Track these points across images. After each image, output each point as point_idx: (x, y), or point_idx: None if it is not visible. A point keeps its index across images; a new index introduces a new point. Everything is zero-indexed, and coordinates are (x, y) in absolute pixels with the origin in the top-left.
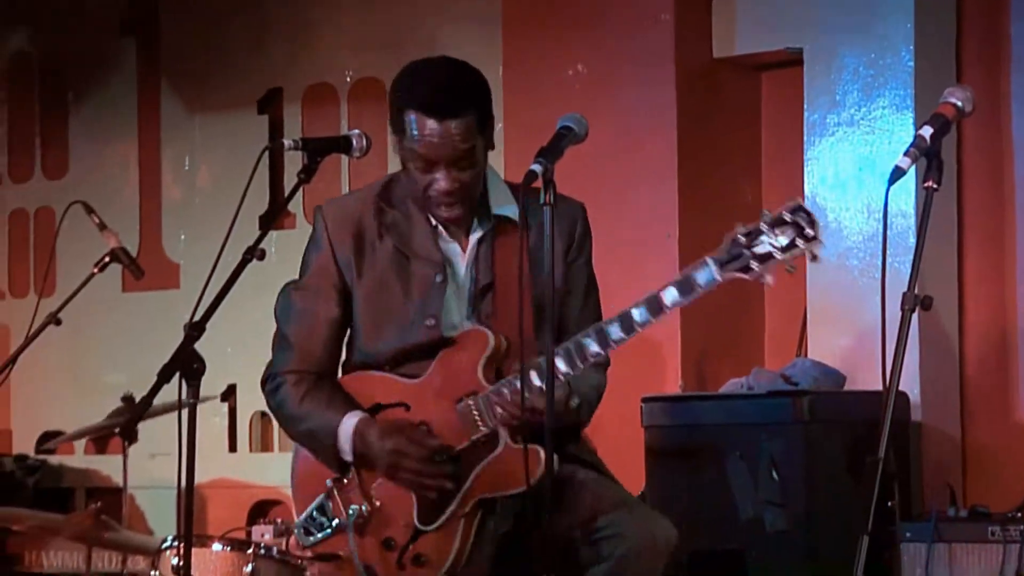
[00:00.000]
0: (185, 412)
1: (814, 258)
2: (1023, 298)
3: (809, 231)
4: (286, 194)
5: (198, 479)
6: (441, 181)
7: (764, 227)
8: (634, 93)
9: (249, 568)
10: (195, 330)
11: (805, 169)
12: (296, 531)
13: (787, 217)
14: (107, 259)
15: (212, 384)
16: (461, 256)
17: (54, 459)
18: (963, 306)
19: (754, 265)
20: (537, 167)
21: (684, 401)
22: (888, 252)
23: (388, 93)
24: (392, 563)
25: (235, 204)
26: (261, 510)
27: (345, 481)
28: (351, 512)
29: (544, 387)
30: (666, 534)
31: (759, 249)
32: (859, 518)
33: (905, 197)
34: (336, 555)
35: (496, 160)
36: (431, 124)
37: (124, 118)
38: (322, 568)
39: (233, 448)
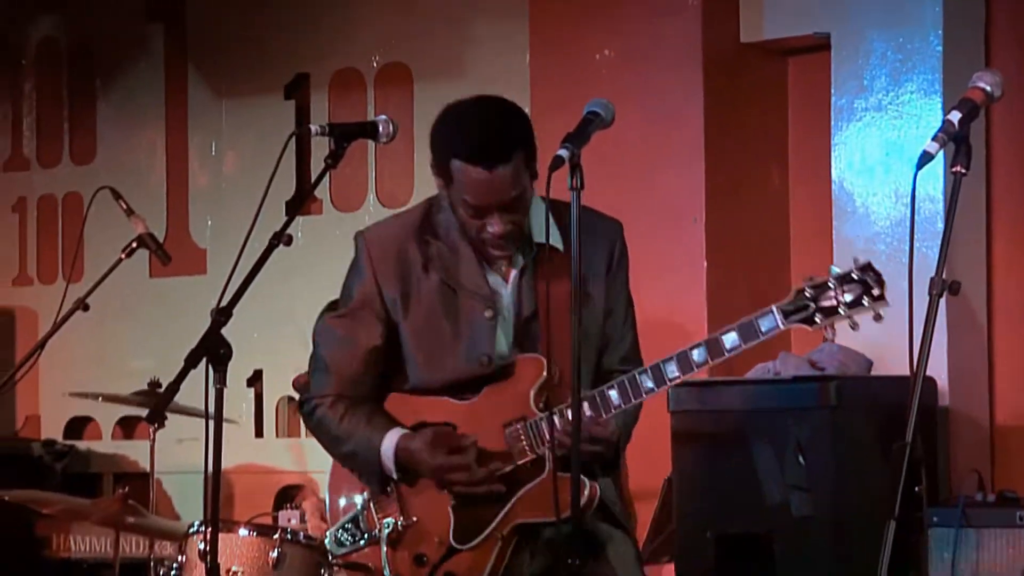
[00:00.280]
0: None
1: (878, 317)
2: None
3: (876, 290)
4: (313, 180)
5: (224, 464)
6: (494, 226)
7: (832, 282)
8: (661, 78)
9: (275, 553)
10: (222, 315)
11: (832, 154)
12: (327, 540)
13: (855, 275)
14: (134, 245)
15: (239, 369)
16: (505, 286)
17: (82, 444)
18: (991, 291)
19: (818, 318)
20: (564, 152)
21: (711, 386)
22: (916, 237)
23: (430, 137)
24: None
25: (262, 190)
26: (287, 495)
27: (384, 497)
28: (386, 525)
29: (592, 416)
30: None
31: (825, 303)
32: (886, 503)
33: (933, 182)
34: (366, 566)
35: None
36: (480, 173)
37: (151, 104)
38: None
39: (259, 433)
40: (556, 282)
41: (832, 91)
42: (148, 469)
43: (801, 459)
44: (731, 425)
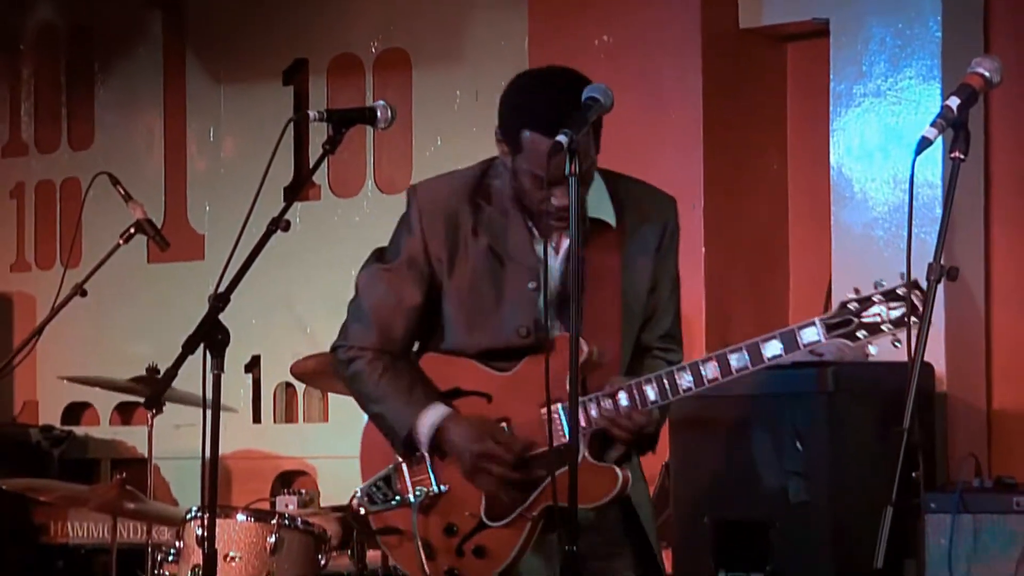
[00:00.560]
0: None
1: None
2: None
3: (921, 309)
4: (311, 165)
5: (222, 450)
6: (559, 199)
7: (877, 298)
8: (660, 64)
9: (273, 538)
10: (220, 301)
11: (831, 140)
12: (359, 494)
13: (901, 292)
14: (132, 230)
15: (237, 355)
16: (554, 257)
17: (79, 430)
18: (989, 277)
19: (860, 334)
20: (563, 138)
21: None
22: (914, 223)
23: (500, 105)
24: (452, 548)
25: (260, 175)
26: (285, 481)
27: (415, 460)
28: (418, 492)
29: (629, 407)
30: None
31: (869, 319)
32: (883, 489)
33: (931, 168)
34: (397, 529)
35: None
36: (550, 142)
37: (150, 89)
38: (384, 538)
39: (257, 419)
40: (605, 258)
41: (831, 77)
42: (146, 455)
43: (798, 445)
44: (729, 411)
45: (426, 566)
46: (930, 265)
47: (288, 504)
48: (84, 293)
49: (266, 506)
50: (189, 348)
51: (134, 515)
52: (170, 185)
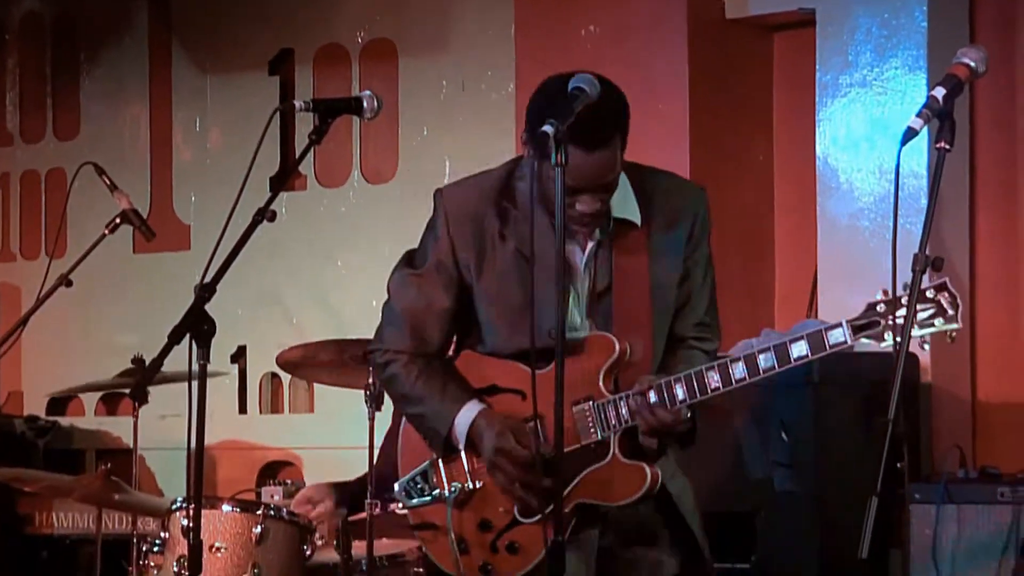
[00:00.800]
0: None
1: (951, 339)
2: None
3: (950, 311)
4: (297, 155)
5: (208, 440)
6: (583, 205)
7: (905, 299)
8: (646, 54)
9: (258, 529)
10: (206, 291)
11: (817, 130)
12: (397, 490)
13: (930, 294)
14: (118, 220)
15: (223, 345)
16: (581, 256)
17: (65, 421)
18: (974, 268)
19: (887, 336)
20: (549, 128)
21: None
22: (900, 213)
23: (528, 107)
24: (486, 544)
25: (246, 165)
26: (271, 471)
27: (451, 456)
28: (454, 488)
29: (659, 404)
30: None
31: (896, 321)
32: (868, 479)
33: (917, 158)
34: (433, 524)
35: (507, 122)
36: (578, 155)
37: (136, 79)
38: (420, 532)
39: (243, 410)
40: (632, 257)
41: (817, 67)
42: (131, 445)
43: (784, 435)
44: (715, 401)
45: (460, 561)
46: (915, 255)
47: (274, 495)
48: (69, 283)
49: (252, 497)
50: (175, 338)
51: (119, 506)
52: (156, 175)
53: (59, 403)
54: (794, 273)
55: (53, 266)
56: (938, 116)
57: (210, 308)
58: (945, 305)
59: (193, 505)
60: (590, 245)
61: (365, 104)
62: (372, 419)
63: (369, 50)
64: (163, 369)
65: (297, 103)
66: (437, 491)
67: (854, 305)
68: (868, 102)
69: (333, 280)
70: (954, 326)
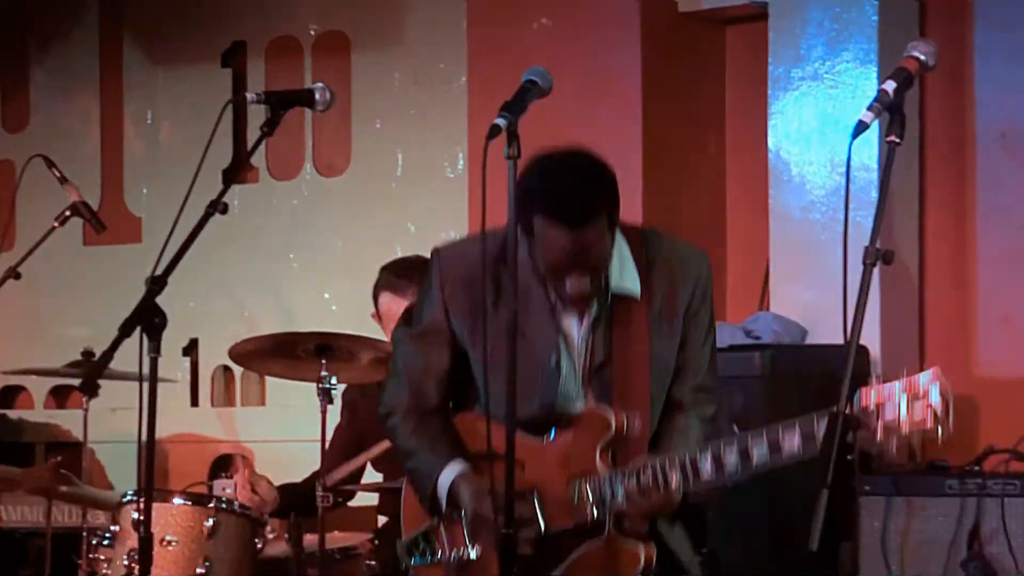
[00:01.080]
0: (146, 366)
1: (939, 439)
2: (984, 252)
3: (941, 414)
4: (249, 148)
5: (159, 434)
6: (572, 286)
7: (898, 390)
8: (599, 47)
9: (210, 522)
10: (157, 284)
11: (769, 123)
12: (399, 547)
13: (935, 400)
14: (68, 213)
15: (174, 339)
16: (578, 327)
17: (13, 413)
18: (924, 260)
19: (879, 433)
20: (501, 121)
21: None
22: (851, 206)
23: (516, 186)
24: None
25: (198, 158)
26: (223, 464)
27: (452, 519)
28: (452, 557)
29: (653, 488)
30: None
31: (888, 416)
32: (819, 471)
33: (868, 151)
34: None
35: (459, 115)
36: (562, 233)
37: (86, 71)
38: None
39: (195, 403)
40: (631, 330)
41: (769, 60)
42: (81, 438)
43: (735, 427)
44: None
45: None
46: (866, 249)
47: (225, 488)
48: (18, 276)
49: (203, 490)
50: (126, 331)
51: (69, 499)
52: (107, 167)
53: (8, 396)
54: (746, 266)
55: (2, 259)
56: (888, 109)
57: (162, 301)
58: (937, 410)
59: (144, 498)
60: (588, 319)
61: (317, 96)
62: (324, 412)
63: (322, 42)
64: (116, 364)
65: (249, 95)
66: (439, 555)
67: (805, 298)
68: (820, 95)
69: (285, 273)
70: (946, 429)
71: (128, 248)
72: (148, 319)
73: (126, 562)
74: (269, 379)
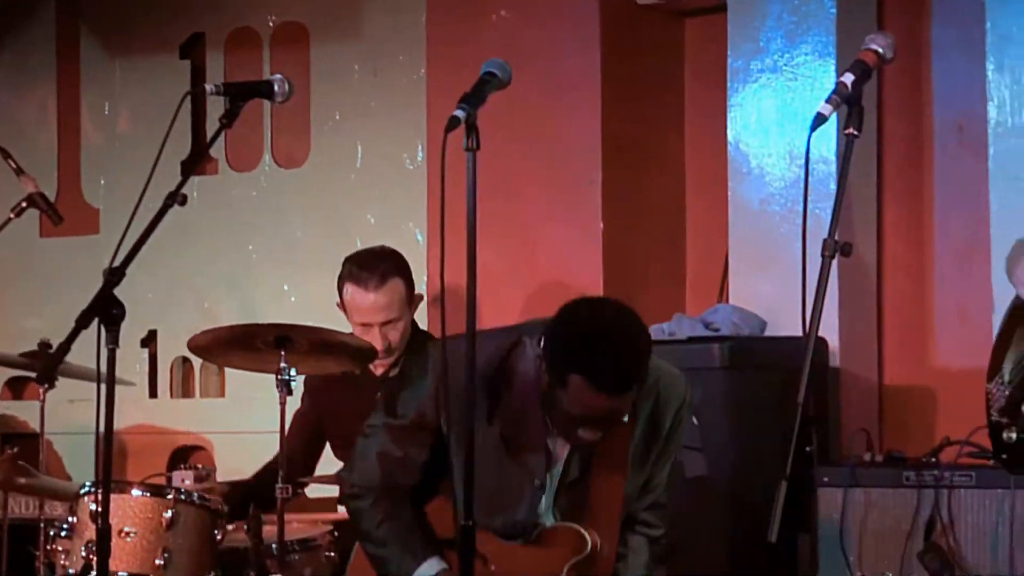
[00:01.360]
0: (104, 358)
1: None
2: (941, 245)
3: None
4: (208, 139)
5: (117, 425)
6: (586, 434)
7: None
8: (558, 40)
9: (169, 514)
10: (114, 275)
11: (728, 115)
12: None
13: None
14: (24, 204)
15: (133, 330)
16: (563, 449)
17: None
18: (882, 253)
19: None
20: (460, 113)
21: None
22: (809, 198)
23: (551, 342)
24: None
25: (156, 149)
26: (181, 456)
27: None
28: None
29: None
30: None
31: None
32: (778, 463)
33: (827, 143)
34: None
35: (419, 107)
36: (599, 398)
37: (43, 62)
38: None
39: (153, 394)
40: (613, 451)
41: (728, 53)
42: (38, 429)
43: (694, 419)
44: None
45: None
46: (825, 241)
47: (184, 479)
48: None
49: (162, 481)
50: (83, 323)
51: (26, 490)
52: (63, 159)
53: None
54: (705, 257)
55: None
56: (847, 102)
57: (120, 292)
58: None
59: (102, 489)
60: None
61: (276, 88)
62: (283, 403)
63: (281, 34)
64: (74, 356)
65: (208, 86)
66: None
67: (765, 290)
68: (779, 88)
69: (244, 264)
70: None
71: (86, 240)
72: (106, 310)
73: (84, 554)
74: (228, 370)
